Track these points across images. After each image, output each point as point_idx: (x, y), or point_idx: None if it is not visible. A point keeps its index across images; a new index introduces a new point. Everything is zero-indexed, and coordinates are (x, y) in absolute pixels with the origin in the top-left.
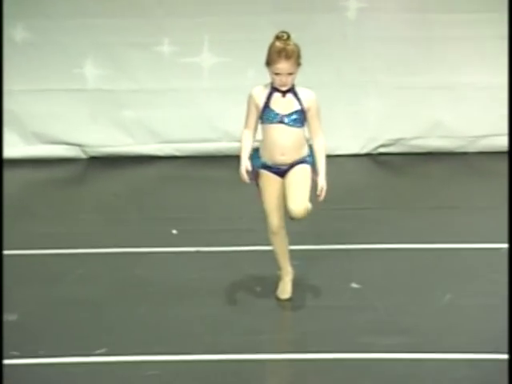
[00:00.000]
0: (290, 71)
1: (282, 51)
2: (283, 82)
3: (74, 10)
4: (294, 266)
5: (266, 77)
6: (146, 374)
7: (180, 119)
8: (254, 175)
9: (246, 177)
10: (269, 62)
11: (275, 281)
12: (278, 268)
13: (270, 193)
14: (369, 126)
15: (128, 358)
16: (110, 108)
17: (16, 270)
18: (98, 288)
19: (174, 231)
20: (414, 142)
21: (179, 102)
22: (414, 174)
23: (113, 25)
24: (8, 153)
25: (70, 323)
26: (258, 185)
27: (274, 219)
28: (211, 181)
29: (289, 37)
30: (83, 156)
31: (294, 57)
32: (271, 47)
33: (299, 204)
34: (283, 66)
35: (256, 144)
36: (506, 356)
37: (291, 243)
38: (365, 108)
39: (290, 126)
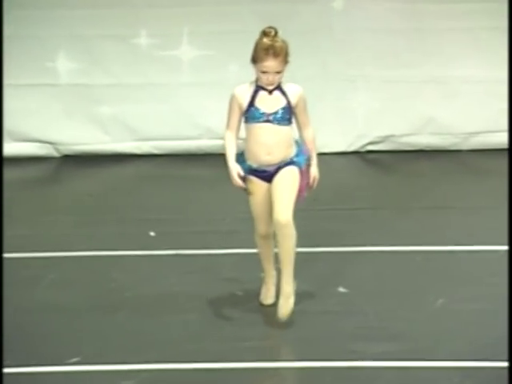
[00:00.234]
0: (277, 69)
1: (269, 48)
2: (270, 80)
3: (45, 0)
4: (278, 270)
5: (249, 71)
6: None
7: (159, 115)
8: (242, 180)
9: (239, 182)
10: (255, 60)
11: (259, 285)
12: (262, 270)
13: (257, 199)
14: (357, 123)
15: (103, 368)
16: (85, 104)
17: None
18: (72, 293)
19: (152, 233)
20: (404, 139)
21: (158, 97)
22: (405, 172)
23: (87, 16)
24: None
25: (41, 330)
26: (245, 189)
27: (262, 225)
28: (192, 180)
29: (276, 33)
30: (56, 154)
31: (282, 54)
32: (258, 44)
33: (284, 214)
34: (271, 64)
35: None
36: (502, 364)
37: (276, 245)
38: (353, 103)
39: (277, 124)
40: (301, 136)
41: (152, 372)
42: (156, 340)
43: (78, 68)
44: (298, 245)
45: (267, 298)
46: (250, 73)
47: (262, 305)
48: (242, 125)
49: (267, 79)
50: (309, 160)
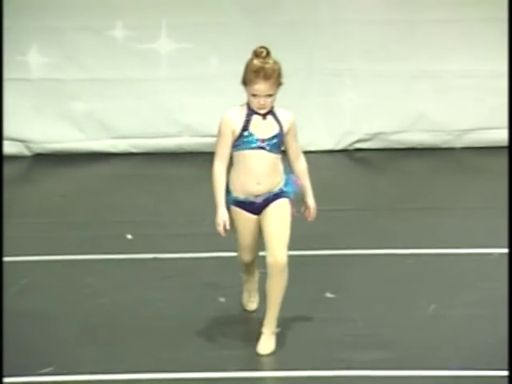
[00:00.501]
0: (268, 92)
1: (259, 71)
2: (262, 104)
3: None
4: (262, 274)
5: (231, 64)
6: None
7: (136, 112)
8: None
9: (222, 232)
10: (246, 82)
11: (240, 291)
12: (242, 271)
13: (243, 232)
14: (344, 119)
15: (78, 378)
16: (58, 100)
17: None
18: (45, 300)
19: (129, 236)
20: (394, 137)
21: (135, 92)
22: (395, 171)
23: (60, 6)
24: None
25: (12, 339)
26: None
27: (246, 255)
28: (171, 180)
29: (268, 53)
30: (27, 153)
31: (274, 76)
32: (248, 65)
33: (281, 257)
34: (261, 87)
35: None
36: (496, 373)
37: (259, 248)
38: (340, 99)
39: (269, 151)
40: (292, 167)
41: (128, 382)
42: (132, 349)
43: (51, 62)
44: None
45: (250, 303)
46: (232, 67)
47: (244, 310)
48: None
49: (258, 103)
50: (296, 193)
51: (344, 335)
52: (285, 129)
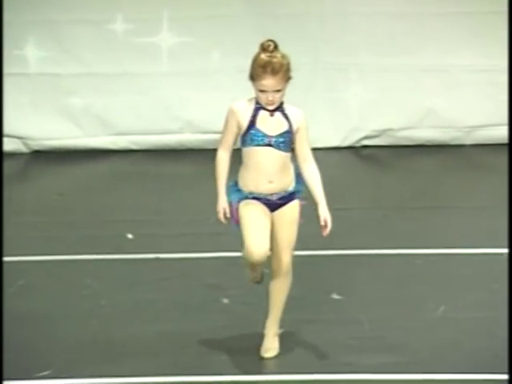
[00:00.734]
0: (277, 88)
1: (267, 65)
2: (270, 100)
3: None
4: (265, 274)
5: (233, 59)
6: None
7: (136, 108)
8: (235, 210)
9: (223, 219)
10: (253, 77)
11: (244, 292)
12: (249, 278)
13: (255, 220)
14: (351, 115)
15: (76, 381)
16: (56, 95)
17: None
18: (42, 301)
19: (130, 236)
20: (402, 133)
21: (135, 88)
22: (403, 169)
23: None
24: None
25: (9, 341)
26: (237, 223)
27: (257, 244)
28: (172, 177)
29: (276, 47)
30: (25, 150)
31: (282, 71)
32: (255, 60)
33: (285, 261)
34: (269, 82)
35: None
36: (505, 376)
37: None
38: (346, 94)
39: (278, 149)
40: (302, 171)
41: None
42: (132, 352)
43: (48, 56)
44: None
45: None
46: (234, 61)
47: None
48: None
49: (266, 98)
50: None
51: (350, 338)
52: (294, 127)
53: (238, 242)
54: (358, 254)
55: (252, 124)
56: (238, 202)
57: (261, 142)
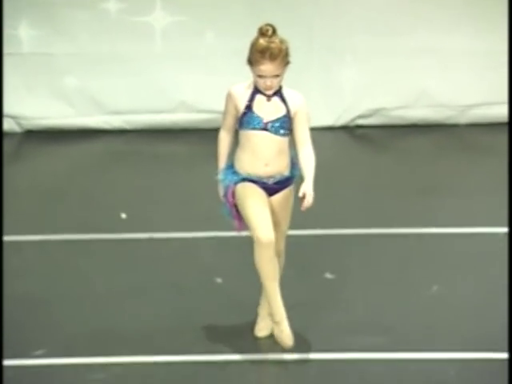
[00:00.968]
0: (275, 73)
1: (265, 51)
2: (268, 85)
3: None
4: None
5: (226, 39)
6: (91, 379)
7: (129, 87)
8: (230, 193)
9: (222, 198)
10: (251, 62)
11: (238, 272)
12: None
13: (254, 199)
14: (345, 95)
15: (70, 361)
16: (49, 74)
17: None
18: (36, 281)
19: (124, 215)
20: (396, 113)
21: (128, 67)
22: (397, 148)
23: None
24: None
25: (3, 321)
26: (235, 206)
27: (263, 229)
28: (166, 157)
29: (274, 31)
30: (18, 129)
31: (281, 56)
32: (253, 45)
33: (280, 248)
34: (267, 67)
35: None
36: (500, 355)
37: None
38: (340, 75)
39: (275, 133)
40: (298, 154)
41: (124, 366)
42: (127, 331)
43: (42, 36)
44: None
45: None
46: (228, 42)
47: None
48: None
49: (264, 83)
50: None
51: (343, 318)
52: (292, 111)
53: (231, 223)
54: (351, 234)
55: (248, 108)
56: (235, 184)
57: (257, 126)
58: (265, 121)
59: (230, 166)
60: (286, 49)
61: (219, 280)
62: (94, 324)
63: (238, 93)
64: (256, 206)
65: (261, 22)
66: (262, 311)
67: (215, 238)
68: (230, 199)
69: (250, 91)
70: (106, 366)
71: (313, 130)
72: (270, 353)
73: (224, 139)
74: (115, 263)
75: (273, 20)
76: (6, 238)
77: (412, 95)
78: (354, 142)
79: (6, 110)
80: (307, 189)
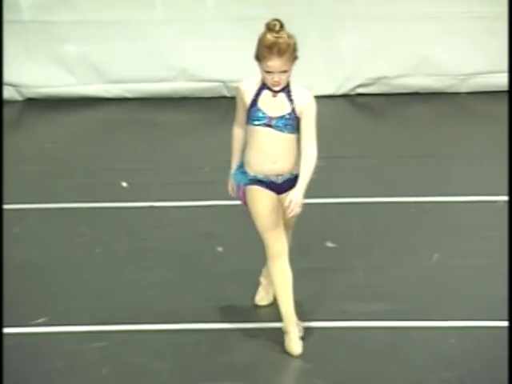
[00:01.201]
0: (283, 69)
1: (273, 46)
2: (276, 81)
3: None
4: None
5: (227, 6)
6: (92, 346)
7: (130, 55)
8: (241, 193)
9: (231, 193)
10: (258, 58)
11: (239, 240)
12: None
13: (263, 206)
14: (345, 63)
15: (71, 329)
16: (49, 42)
17: None
18: (37, 249)
19: (124, 184)
20: (397, 81)
21: (128, 35)
22: (398, 117)
23: None
24: None
25: (4, 289)
26: (246, 204)
27: (273, 240)
28: (167, 126)
29: (282, 26)
30: (18, 98)
31: (289, 52)
32: (261, 40)
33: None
34: (275, 63)
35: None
36: (500, 323)
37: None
38: (341, 42)
39: (279, 131)
40: (301, 154)
41: (125, 333)
42: (128, 299)
43: (42, 3)
44: None
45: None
46: (228, 8)
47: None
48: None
49: (272, 79)
50: None
51: (344, 286)
52: (297, 110)
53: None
54: (352, 202)
55: (254, 103)
56: (245, 185)
57: (260, 122)
58: (268, 117)
59: (241, 166)
60: (294, 44)
61: (220, 249)
62: (95, 291)
63: (247, 87)
64: (266, 218)
65: None
66: (264, 280)
67: (216, 206)
68: (243, 198)
69: (257, 86)
70: (107, 334)
71: (314, 98)
72: (271, 322)
73: (237, 134)
74: (115, 231)
75: None
76: (6, 207)
77: (413, 63)
78: (355, 111)
79: (7, 78)
80: (295, 197)
